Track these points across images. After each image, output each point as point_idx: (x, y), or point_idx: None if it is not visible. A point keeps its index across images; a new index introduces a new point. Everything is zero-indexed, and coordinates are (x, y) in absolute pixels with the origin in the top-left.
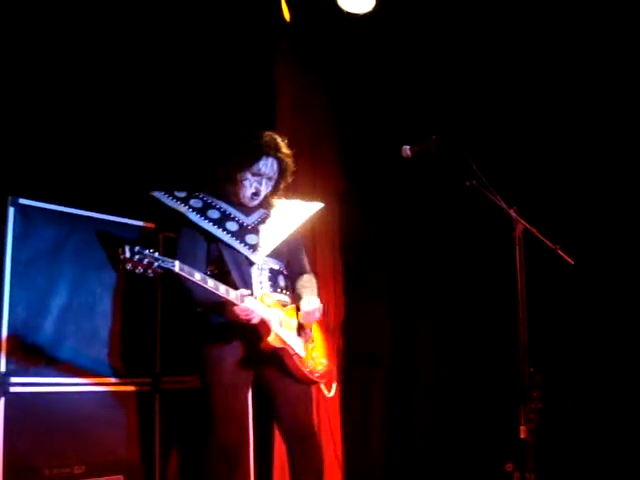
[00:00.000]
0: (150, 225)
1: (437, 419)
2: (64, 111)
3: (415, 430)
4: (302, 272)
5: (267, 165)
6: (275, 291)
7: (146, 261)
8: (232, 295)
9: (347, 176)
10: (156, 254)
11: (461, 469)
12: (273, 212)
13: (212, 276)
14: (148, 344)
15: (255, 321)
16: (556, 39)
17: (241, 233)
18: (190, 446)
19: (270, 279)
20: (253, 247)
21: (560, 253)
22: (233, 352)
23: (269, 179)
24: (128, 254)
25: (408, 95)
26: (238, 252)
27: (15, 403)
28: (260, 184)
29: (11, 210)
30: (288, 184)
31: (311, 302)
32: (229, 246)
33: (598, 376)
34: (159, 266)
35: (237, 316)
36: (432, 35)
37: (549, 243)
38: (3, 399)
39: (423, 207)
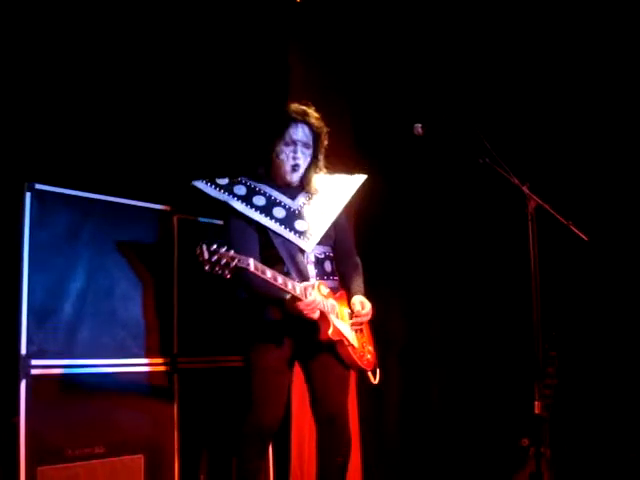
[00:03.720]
0: (166, 208)
1: (452, 395)
2: (78, 96)
3: (430, 407)
4: (349, 255)
5: (297, 131)
6: (322, 277)
7: (223, 262)
8: (298, 291)
9: (359, 156)
10: (231, 252)
11: (477, 445)
12: (317, 191)
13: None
14: (165, 325)
15: (316, 316)
16: (569, 19)
17: (289, 219)
18: (208, 426)
19: (316, 265)
20: (303, 234)
21: (573, 229)
22: (281, 343)
23: (305, 146)
24: (206, 255)
25: (420, 73)
26: (289, 240)
27: (36, 385)
28: (296, 153)
29: (27, 195)
30: (326, 155)
31: (365, 305)
32: (279, 234)
33: (612, 352)
34: (235, 266)
35: (300, 311)
36: (443, 14)
37: (562, 219)
38: (24, 381)
39: (435, 184)
